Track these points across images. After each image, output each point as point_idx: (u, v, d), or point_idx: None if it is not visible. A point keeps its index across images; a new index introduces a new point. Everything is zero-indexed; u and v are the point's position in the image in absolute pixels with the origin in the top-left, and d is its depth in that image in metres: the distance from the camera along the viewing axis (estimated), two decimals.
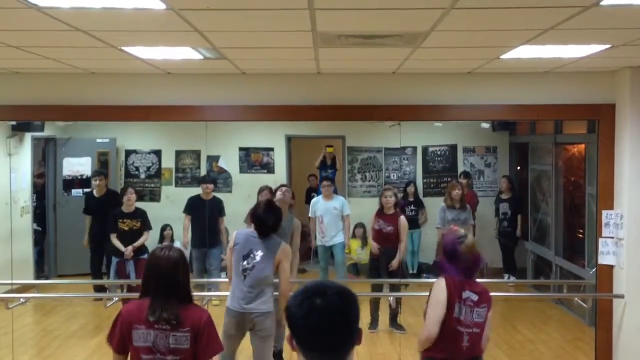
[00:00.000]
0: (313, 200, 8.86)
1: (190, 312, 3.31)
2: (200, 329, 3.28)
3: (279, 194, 6.64)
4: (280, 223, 5.16)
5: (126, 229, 7.86)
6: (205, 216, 8.40)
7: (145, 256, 7.65)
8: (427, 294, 3.98)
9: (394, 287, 7.53)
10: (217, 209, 8.59)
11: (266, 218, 5.02)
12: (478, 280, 4.00)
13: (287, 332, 1.94)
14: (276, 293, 5.16)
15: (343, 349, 1.90)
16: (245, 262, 4.97)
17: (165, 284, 3.28)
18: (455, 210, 8.41)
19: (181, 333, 3.25)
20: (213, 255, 8.54)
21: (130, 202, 7.93)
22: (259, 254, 4.96)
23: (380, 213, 7.71)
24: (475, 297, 3.81)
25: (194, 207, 8.56)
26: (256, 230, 5.05)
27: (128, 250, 7.80)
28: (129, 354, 3.36)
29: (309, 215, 8.88)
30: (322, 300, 1.88)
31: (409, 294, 7.70)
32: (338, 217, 8.62)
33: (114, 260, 7.94)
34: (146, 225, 8.04)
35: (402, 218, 7.74)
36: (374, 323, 7.66)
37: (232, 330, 5.04)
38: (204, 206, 8.48)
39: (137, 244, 7.87)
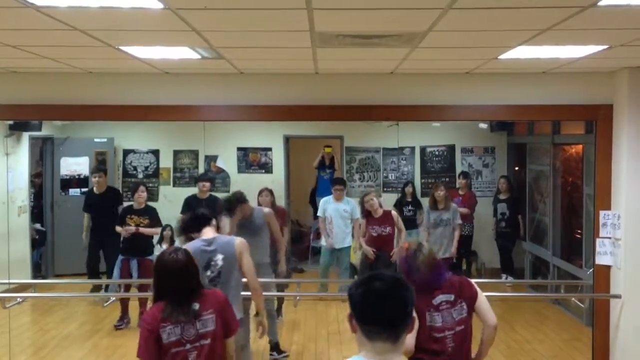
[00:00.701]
0: (323, 200, 8.81)
1: (207, 296, 3.52)
2: (222, 308, 3.54)
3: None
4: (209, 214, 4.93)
5: (132, 225, 7.83)
6: None
7: (151, 257, 7.66)
8: None
9: None
10: (213, 207, 8.56)
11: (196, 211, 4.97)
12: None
13: (347, 310, 2.17)
14: (248, 293, 4.95)
15: (398, 329, 2.12)
16: (208, 272, 4.68)
17: (179, 287, 3.43)
18: (438, 210, 8.40)
19: (206, 316, 3.45)
20: None
21: (140, 199, 7.91)
22: (219, 258, 4.71)
23: (371, 219, 7.68)
24: (451, 297, 3.75)
25: (190, 206, 8.54)
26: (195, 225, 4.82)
27: (128, 229, 7.72)
28: (159, 354, 3.43)
29: (318, 214, 8.85)
30: (381, 283, 2.14)
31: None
32: (347, 220, 8.60)
33: (120, 257, 7.89)
34: (155, 222, 7.99)
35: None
36: None
37: None
38: (200, 205, 8.46)
39: (143, 229, 7.78)
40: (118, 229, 7.80)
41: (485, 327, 3.87)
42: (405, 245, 3.92)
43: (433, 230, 8.39)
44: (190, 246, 4.68)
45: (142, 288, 7.43)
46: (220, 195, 9.07)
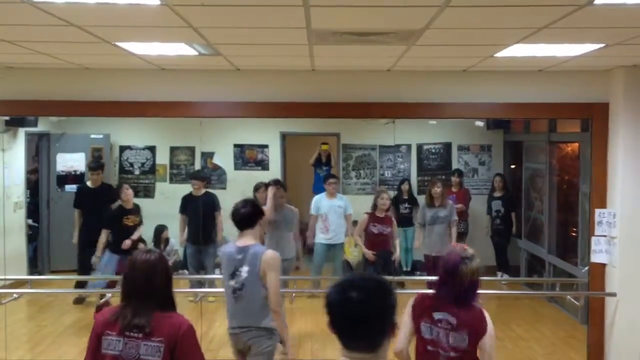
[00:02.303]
0: (316, 198, 8.83)
1: (167, 320, 3.02)
2: (177, 339, 2.98)
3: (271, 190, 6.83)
4: (258, 216, 4.68)
5: (131, 224, 7.85)
6: (197, 213, 8.37)
7: (127, 241, 7.68)
8: (422, 291, 3.98)
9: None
10: (210, 204, 8.54)
11: (241, 209, 4.63)
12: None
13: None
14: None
15: (376, 339, 2.04)
16: (233, 282, 4.51)
17: (141, 288, 3.06)
18: (435, 208, 8.41)
19: (154, 343, 2.97)
20: (207, 254, 8.47)
21: (128, 197, 7.95)
22: (244, 270, 4.48)
23: (375, 217, 7.72)
24: (453, 320, 3.57)
25: (187, 205, 8.53)
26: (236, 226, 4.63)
27: (126, 244, 7.72)
28: None
29: (311, 212, 8.88)
30: (359, 293, 2.02)
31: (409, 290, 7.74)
32: (342, 216, 8.64)
33: (115, 257, 7.83)
34: (141, 219, 8.08)
35: (393, 218, 7.96)
36: None
37: (235, 354, 4.70)
38: (195, 203, 8.45)
39: (135, 237, 7.84)
40: (127, 242, 7.77)
41: None
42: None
43: (430, 227, 8.40)
44: (222, 249, 4.73)
45: None
46: (217, 192, 9.08)
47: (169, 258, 8.60)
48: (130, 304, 3.04)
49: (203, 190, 8.66)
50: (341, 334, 2.05)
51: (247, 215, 4.59)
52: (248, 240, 4.55)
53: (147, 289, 3.05)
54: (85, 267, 8.66)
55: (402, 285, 8.02)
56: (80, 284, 8.29)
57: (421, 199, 10.17)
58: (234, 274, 4.49)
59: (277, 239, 6.82)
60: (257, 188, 7.98)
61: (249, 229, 4.58)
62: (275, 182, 7.14)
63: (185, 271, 8.86)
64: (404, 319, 3.71)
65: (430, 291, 3.82)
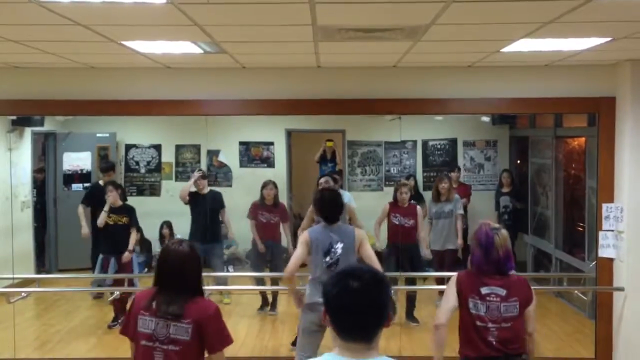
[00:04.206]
0: None
1: (196, 304, 3.32)
2: (205, 321, 3.29)
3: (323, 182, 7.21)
4: (342, 207, 5.24)
5: (111, 222, 7.66)
6: (203, 211, 8.36)
7: (126, 253, 7.58)
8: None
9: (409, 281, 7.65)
10: (216, 202, 8.52)
11: (334, 201, 5.12)
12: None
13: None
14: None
15: (372, 330, 2.07)
16: (328, 258, 4.95)
17: (173, 278, 3.33)
18: (440, 202, 8.41)
19: (183, 324, 3.27)
20: (215, 250, 8.44)
21: (111, 197, 7.69)
22: (339, 247, 4.96)
23: (396, 207, 7.66)
24: (502, 292, 3.72)
25: (192, 203, 8.52)
26: (326, 218, 5.03)
27: (126, 256, 7.58)
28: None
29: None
30: (357, 283, 2.06)
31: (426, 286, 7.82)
32: (346, 212, 8.59)
33: (100, 256, 7.74)
34: (134, 222, 7.77)
35: (419, 208, 7.85)
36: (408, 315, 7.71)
37: (315, 326, 4.90)
38: (200, 200, 8.44)
39: (131, 247, 7.63)
40: (126, 255, 7.58)
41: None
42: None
43: (435, 222, 8.40)
44: (313, 230, 5.14)
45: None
46: (223, 190, 9.08)
47: None
48: (165, 293, 3.31)
49: (208, 188, 8.64)
50: (338, 324, 2.07)
51: (339, 209, 5.13)
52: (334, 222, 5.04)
53: (179, 279, 3.33)
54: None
55: (424, 280, 8.08)
56: (97, 280, 8.30)
57: (427, 195, 10.17)
58: (328, 251, 4.94)
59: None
60: (264, 185, 8.01)
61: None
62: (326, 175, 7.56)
63: None
64: (448, 292, 3.86)
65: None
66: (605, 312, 5.94)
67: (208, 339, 3.31)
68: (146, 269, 8.75)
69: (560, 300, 8.59)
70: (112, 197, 7.65)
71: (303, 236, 5.11)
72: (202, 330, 3.29)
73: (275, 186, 8.02)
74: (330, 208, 5.07)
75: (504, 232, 3.81)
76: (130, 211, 7.79)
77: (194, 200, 8.45)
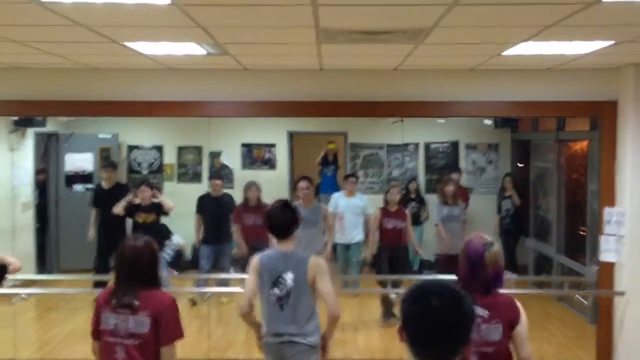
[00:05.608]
0: (334, 196, 8.77)
1: (153, 296, 3.40)
2: (161, 312, 3.34)
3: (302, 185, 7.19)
4: (297, 224, 4.27)
5: (141, 222, 7.89)
6: (216, 213, 8.36)
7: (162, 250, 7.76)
8: None
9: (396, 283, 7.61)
10: (230, 205, 8.52)
11: (282, 216, 4.22)
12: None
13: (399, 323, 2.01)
14: None
15: (451, 351, 1.94)
16: (276, 290, 4.14)
17: (128, 270, 3.43)
18: (449, 206, 8.42)
19: (141, 317, 3.34)
20: (224, 253, 8.46)
21: (143, 195, 8.05)
22: (289, 278, 4.13)
23: (387, 212, 7.71)
24: (485, 313, 3.36)
25: (204, 206, 8.49)
26: (277, 235, 4.24)
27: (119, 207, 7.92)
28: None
29: (329, 210, 8.86)
30: (438, 302, 1.92)
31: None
32: (359, 216, 8.58)
33: None
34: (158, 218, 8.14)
35: (406, 210, 7.97)
36: (386, 314, 7.69)
37: None
38: (214, 203, 8.43)
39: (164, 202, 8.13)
40: (117, 209, 7.93)
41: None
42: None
43: (446, 225, 8.39)
44: (265, 254, 4.27)
45: None
46: (225, 191, 9.06)
47: (170, 253, 8.55)
48: (121, 285, 3.44)
49: (222, 191, 8.63)
50: (415, 344, 1.95)
51: (289, 223, 4.21)
52: (289, 245, 4.21)
53: (134, 271, 3.42)
54: (102, 268, 8.63)
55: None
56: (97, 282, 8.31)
57: (429, 198, 10.18)
58: (276, 282, 4.13)
59: (308, 237, 6.65)
60: (248, 187, 8.08)
61: (289, 236, 4.22)
62: (305, 178, 7.32)
63: (174, 271, 8.78)
64: None
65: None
66: (606, 317, 5.93)
67: (161, 330, 3.34)
68: None
69: (562, 304, 8.58)
70: (145, 195, 7.98)
71: (253, 261, 4.26)
72: (158, 321, 3.34)
73: (259, 188, 8.04)
74: (276, 220, 4.19)
75: (496, 248, 3.46)
76: (155, 207, 8.10)
77: (208, 202, 8.43)
